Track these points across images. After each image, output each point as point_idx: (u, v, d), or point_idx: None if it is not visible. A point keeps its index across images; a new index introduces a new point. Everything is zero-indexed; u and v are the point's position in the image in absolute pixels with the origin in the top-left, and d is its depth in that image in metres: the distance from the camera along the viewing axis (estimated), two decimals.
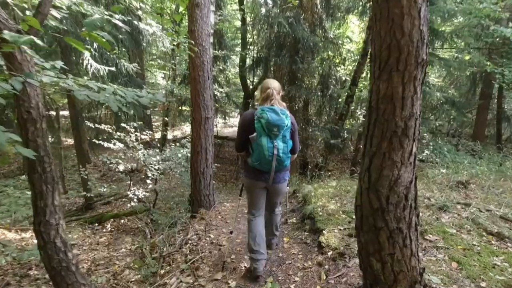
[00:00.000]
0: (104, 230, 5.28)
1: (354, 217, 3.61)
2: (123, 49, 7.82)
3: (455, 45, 6.42)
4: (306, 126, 7.44)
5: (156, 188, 6.07)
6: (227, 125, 20.15)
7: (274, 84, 2.42)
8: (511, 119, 10.20)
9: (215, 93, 12.80)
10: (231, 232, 3.08)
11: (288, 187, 3.47)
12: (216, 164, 6.13)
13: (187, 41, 3.28)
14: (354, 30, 14.11)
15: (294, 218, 4.08)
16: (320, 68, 7.10)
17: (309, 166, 7.98)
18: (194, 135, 4.09)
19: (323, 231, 3.16)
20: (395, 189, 1.58)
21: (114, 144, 5.34)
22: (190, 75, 3.82)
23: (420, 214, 3.46)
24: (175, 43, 3.17)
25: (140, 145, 5.49)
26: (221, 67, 11.66)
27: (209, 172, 4.31)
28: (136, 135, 5.79)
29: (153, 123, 17.79)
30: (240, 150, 2.50)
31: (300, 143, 7.66)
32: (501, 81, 6.04)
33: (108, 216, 5.54)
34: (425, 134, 6.65)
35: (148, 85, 14.44)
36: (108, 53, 6.27)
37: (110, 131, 5.57)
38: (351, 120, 9.99)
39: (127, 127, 5.66)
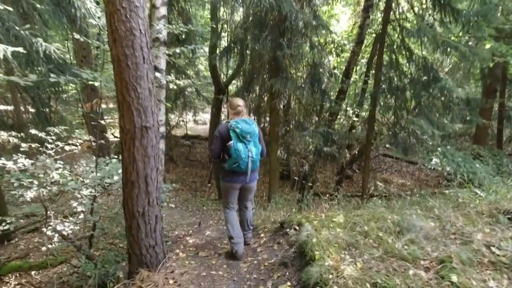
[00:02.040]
0: None
1: None
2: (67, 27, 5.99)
3: (472, 30, 5.28)
4: (292, 130, 6.05)
5: (92, 219, 4.40)
6: (200, 122, 18.26)
7: (241, 103, 3.01)
8: None
9: (183, 86, 11.10)
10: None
11: None
12: (173, 185, 4.58)
13: None
14: (339, 18, 12.95)
15: (289, 283, 2.66)
16: (310, 55, 5.72)
17: (295, 178, 6.66)
18: (125, 155, 2.52)
19: None
20: None
21: (16, 161, 3.62)
22: (111, 54, 2.24)
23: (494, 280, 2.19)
24: None
25: (58, 162, 3.80)
26: (185, 51, 10.01)
27: (154, 212, 2.77)
28: (56, 145, 4.09)
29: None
30: (217, 157, 3.04)
31: (285, 150, 6.28)
32: None
33: (9, 268, 3.81)
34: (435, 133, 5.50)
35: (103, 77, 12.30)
36: (18, 29, 4.48)
37: (13, 140, 3.85)
38: (341, 120, 8.77)
39: (41, 134, 3.96)
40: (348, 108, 8.87)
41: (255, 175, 3.10)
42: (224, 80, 8.67)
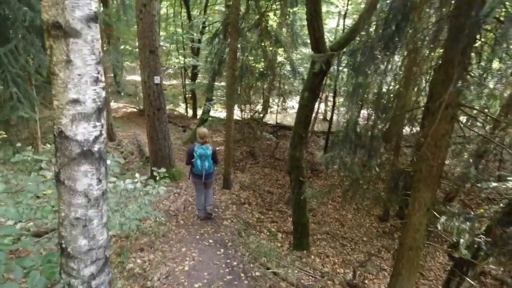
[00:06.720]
0: None
1: None
2: None
3: None
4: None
5: None
6: (293, 109, 14.31)
7: (206, 133, 4.96)
8: None
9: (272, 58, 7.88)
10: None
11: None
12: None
13: None
14: None
15: None
16: None
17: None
18: None
19: None
20: None
21: None
22: None
23: None
24: None
25: None
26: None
27: None
28: None
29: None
30: (188, 164, 5.08)
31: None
32: None
33: None
34: None
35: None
36: None
37: None
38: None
39: None
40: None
41: (210, 175, 5.07)
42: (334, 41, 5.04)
